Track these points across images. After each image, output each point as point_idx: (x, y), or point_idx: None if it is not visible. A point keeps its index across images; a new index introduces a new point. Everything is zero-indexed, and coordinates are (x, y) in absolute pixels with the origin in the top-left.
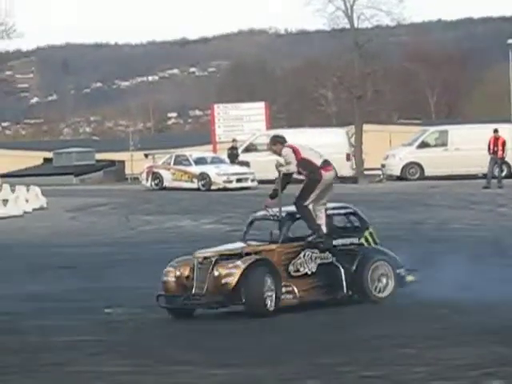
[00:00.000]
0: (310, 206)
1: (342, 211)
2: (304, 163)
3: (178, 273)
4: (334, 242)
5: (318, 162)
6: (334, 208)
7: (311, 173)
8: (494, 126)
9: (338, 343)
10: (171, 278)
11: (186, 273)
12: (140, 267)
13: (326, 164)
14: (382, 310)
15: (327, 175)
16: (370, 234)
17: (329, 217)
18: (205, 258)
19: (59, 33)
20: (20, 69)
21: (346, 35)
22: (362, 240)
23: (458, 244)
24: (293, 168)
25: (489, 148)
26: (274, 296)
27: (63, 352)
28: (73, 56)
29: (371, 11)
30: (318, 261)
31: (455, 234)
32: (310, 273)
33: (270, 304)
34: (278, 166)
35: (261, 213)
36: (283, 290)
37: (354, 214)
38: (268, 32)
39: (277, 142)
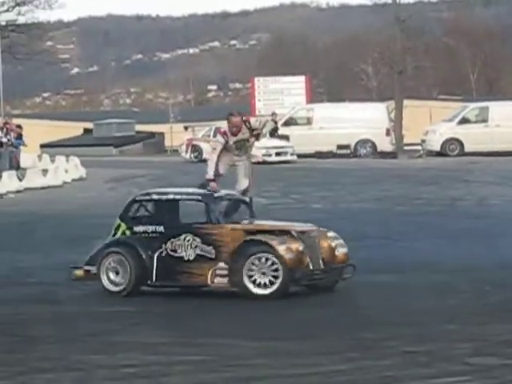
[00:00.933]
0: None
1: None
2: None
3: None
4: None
5: None
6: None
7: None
8: None
9: (380, 318)
10: None
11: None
12: None
13: None
14: (425, 286)
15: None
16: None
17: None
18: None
19: (100, 4)
20: (61, 39)
21: (387, 10)
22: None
23: (498, 220)
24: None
25: None
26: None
27: (101, 322)
28: (114, 27)
29: None
30: None
31: (494, 210)
32: None
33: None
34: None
35: None
36: None
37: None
38: (309, 6)
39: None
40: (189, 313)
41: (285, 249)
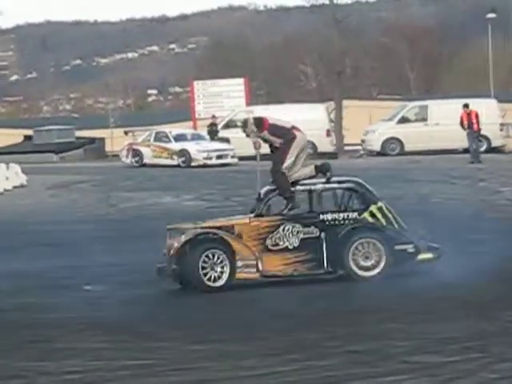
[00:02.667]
0: (286, 172)
1: (343, 185)
2: (274, 128)
3: None
4: (323, 217)
5: (288, 125)
6: (333, 182)
7: (284, 135)
8: (474, 100)
9: (319, 318)
10: None
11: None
12: (120, 244)
13: (296, 128)
14: (370, 285)
15: (300, 135)
16: (379, 208)
17: (326, 191)
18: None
19: (38, 10)
20: None
21: (325, 11)
22: (365, 215)
23: (439, 218)
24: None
25: (461, 124)
26: (221, 271)
27: (45, 329)
28: (52, 33)
29: None
30: (301, 235)
31: (434, 207)
32: (291, 247)
33: (213, 279)
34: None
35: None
36: (240, 263)
37: (354, 189)
38: (247, 8)
39: (245, 125)
40: (132, 317)
41: None
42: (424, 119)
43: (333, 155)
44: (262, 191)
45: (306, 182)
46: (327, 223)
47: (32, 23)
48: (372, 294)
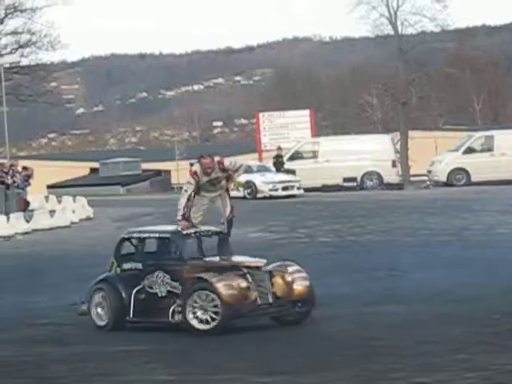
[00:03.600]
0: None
1: None
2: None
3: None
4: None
5: None
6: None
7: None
8: None
9: (387, 349)
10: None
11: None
12: None
13: None
14: (433, 316)
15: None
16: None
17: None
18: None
19: (103, 43)
20: (65, 80)
21: (390, 42)
22: None
23: (506, 249)
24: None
25: None
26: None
27: (111, 361)
28: (117, 66)
29: (415, 17)
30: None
31: (502, 238)
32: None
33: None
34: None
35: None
36: None
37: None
38: (312, 39)
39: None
40: (198, 349)
41: (223, 285)
42: (490, 149)
43: (399, 186)
44: None
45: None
46: None
47: (98, 56)
48: (431, 324)
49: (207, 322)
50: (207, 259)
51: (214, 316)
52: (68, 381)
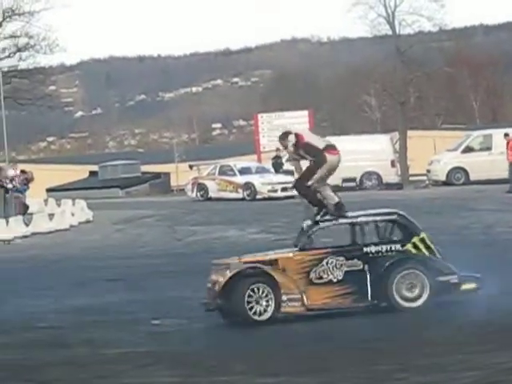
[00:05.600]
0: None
1: (385, 217)
2: (308, 147)
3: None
4: (366, 249)
5: (321, 145)
6: (375, 214)
7: (315, 156)
8: None
9: (389, 350)
10: None
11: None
12: (187, 278)
13: (331, 148)
14: (434, 316)
15: (332, 158)
16: (422, 240)
17: (369, 224)
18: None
19: (102, 46)
20: (64, 83)
21: (387, 41)
22: (408, 247)
23: (506, 247)
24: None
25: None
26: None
27: (111, 364)
28: (116, 69)
29: (413, 17)
30: (345, 268)
31: (501, 237)
32: (335, 280)
33: (258, 312)
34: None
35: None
36: (285, 297)
37: (397, 220)
38: (310, 40)
39: (285, 137)
40: (199, 351)
41: None
42: (489, 148)
43: (398, 186)
44: (305, 224)
45: (349, 214)
46: (371, 255)
47: (96, 59)
48: (431, 324)
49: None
50: None
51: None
52: (68, 383)
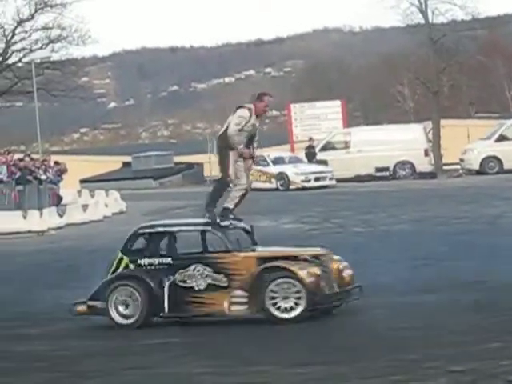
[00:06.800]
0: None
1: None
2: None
3: None
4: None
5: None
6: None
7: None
8: None
9: (420, 338)
10: None
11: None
12: None
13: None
14: (468, 304)
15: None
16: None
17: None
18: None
19: (134, 37)
20: (96, 74)
21: (420, 31)
22: None
23: None
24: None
25: None
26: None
27: (145, 355)
28: (148, 60)
29: (445, 6)
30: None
31: None
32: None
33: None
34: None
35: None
36: None
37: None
38: (343, 30)
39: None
40: (231, 342)
41: (306, 273)
42: None
43: (431, 175)
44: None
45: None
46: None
47: (128, 50)
48: (466, 313)
49: (289, 310)
50: (262, 249)
51: (295, 304)
52: (103, 374)
